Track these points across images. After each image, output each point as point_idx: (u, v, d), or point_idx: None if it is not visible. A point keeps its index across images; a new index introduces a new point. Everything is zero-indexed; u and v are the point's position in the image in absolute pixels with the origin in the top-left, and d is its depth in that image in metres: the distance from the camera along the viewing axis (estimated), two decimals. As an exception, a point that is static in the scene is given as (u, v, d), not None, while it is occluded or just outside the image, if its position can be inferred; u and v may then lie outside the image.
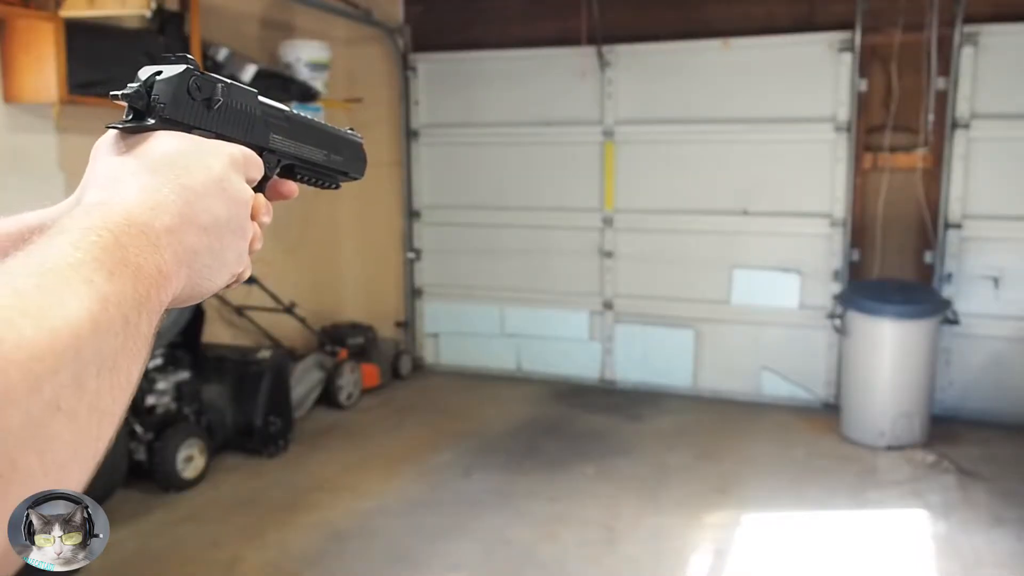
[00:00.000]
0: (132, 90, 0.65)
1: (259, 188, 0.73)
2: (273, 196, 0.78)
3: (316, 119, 0.83)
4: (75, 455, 0.48)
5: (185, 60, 0.67)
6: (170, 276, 0.58)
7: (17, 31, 3.78)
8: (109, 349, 0.51)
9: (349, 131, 0.88)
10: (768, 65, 5.44)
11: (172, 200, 0.60)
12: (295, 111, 0.80)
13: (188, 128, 0.67)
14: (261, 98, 0.75)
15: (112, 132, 0.66)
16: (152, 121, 0.65)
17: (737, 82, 5.50)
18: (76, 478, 0.49)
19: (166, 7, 4.41)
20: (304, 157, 0.80)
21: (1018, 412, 5.16)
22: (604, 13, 5.62)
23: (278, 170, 0.79)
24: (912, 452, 4.77)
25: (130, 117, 0.66)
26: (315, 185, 0.86)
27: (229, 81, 0.71)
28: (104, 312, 0.50)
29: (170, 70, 0.67)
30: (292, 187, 0.81)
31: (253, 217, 0.69)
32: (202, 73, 0.68)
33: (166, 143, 0.64)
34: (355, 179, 0.89)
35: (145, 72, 0.67)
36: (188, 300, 0.64)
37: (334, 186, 0.88)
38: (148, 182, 0.61)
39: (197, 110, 0.67)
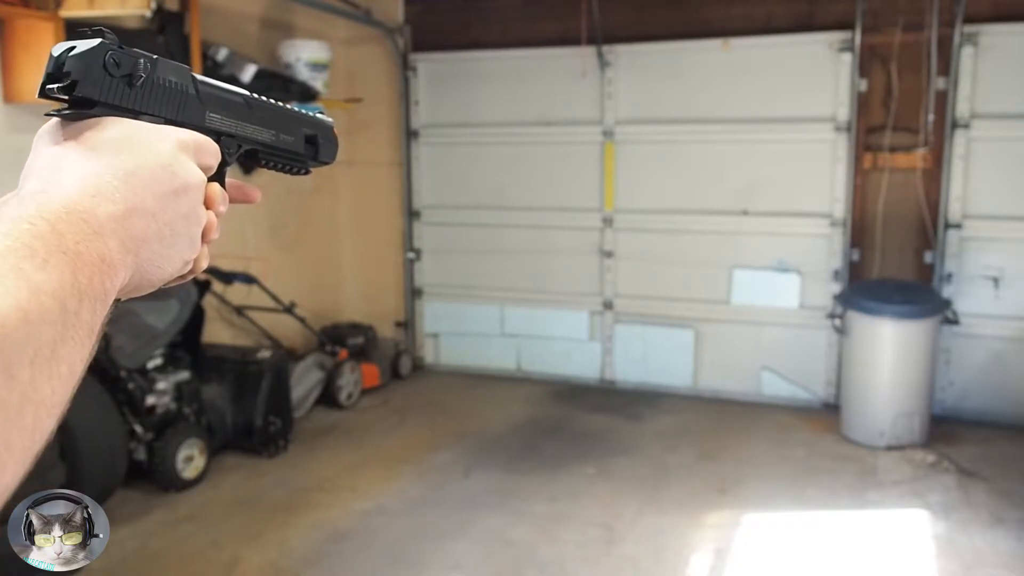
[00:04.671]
0: (45, 76, 0.61)
1: (218, 176, 0.70)
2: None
3: (272, 100, 0.79)
4: (8, 447, 0.47)
5: (101, 34, 0.62)
6: (115, 264, 0.56)
7: (17, 31, 3.78)
8: (45, 338, 0.49)
9: (318, 114, 0.84)
10: (768, 65, 5.44)
11: (115, 186, 0.58)
12: (249, 93, 0.75)
13: (135, 114, 0.63)
14: (200, 76, 0.70)
15: (53, 120, 0.62)
16: (95, 108, 0.61)
17: (737, 82, 5.50)
18: (11, 470, 0.48)
19: (166, 7, 4.41)
20: (249, 137, 0.75)
21: (1018, 412, 5.16)
22: (604, 13, 5.62)
23: (239, 155, 0.75)
24: (912, 452, 4.77)
25: (69, 104, 0.62)
26: (283, 171, 0.82)
27: (155, 56, 0.66)
28: (35, 301, 0.49)
29: (83, 45, 0.62)
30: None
31: (208, 205, 0.66)
32: (120, 47, 0.63)
33: (109, 128, 0.61)
34: (325, 163, 0.85)
35: (57, 49, 0.62)
36: (138, 289, 0.62)
37: (304, 171, 0.83)
38: (89, 169, 0.58)
39: (117, 88, 0.62)
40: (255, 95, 0.76)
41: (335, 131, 0.86)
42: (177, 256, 0.63)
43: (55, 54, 0.61)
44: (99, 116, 0.62)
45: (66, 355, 0.51)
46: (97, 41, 0.62)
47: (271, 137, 0.78)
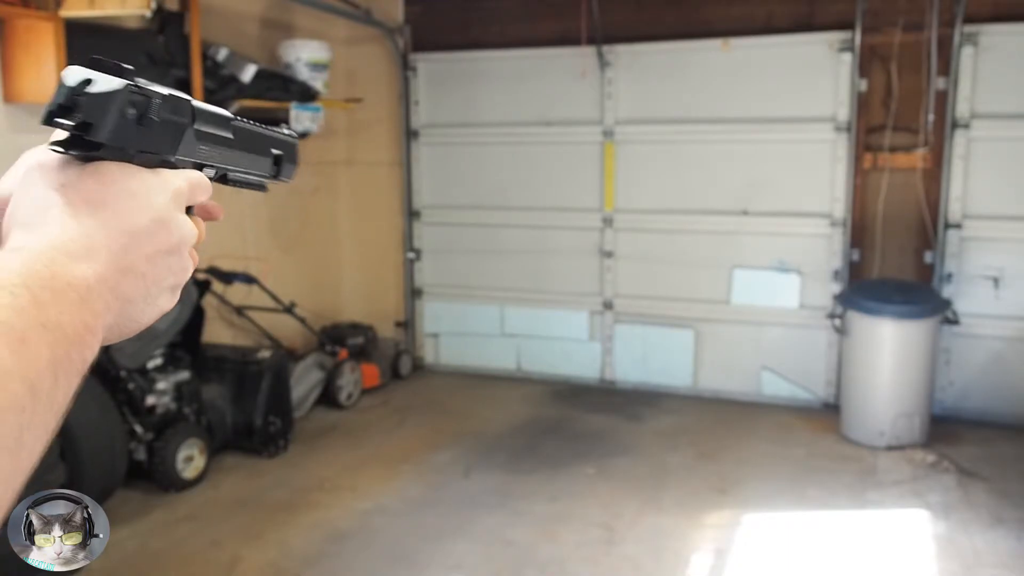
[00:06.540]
0: (55, 105, 0.57)
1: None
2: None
3: (250, 122, 0.76)
4: None
5: (122, 72, 0.58)
6: (97, 329, 0.54)
7: (17, 31, 3.78)
8: (9, 429, 0.46)
9: (285, 131, 0.82)
10: (768, 65, 5.44)
11: (109, 247, 0.56)
12: (234, 117, 0.73)
13: (137, 153, 0.60)
14: (198, 105, 0.67)
15: (51, 155, 0.58)
16: (99, 151, 0.58)
17: (737, 82, 5.50)
18: None
19: (166, 7, 4.41)
20: (230, 166, 0.73)
21: (1018, 412, 5.16)
22: (604, 13, 5.62)
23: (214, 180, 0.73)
24: (912, 452, 4.77)
25: (68, 137, 0.58)
26: (246, 187, 0.80)
27: (166, 92, 0.62)
28: (4, 390, 0.46)
29: (104, 83, 0.57)
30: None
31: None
32: (139, 88, 0.59)
33: (110, 180, 0.58)
34: (284, 182, 0.83)
35: (72, 77, 0.57)
36: (106, 341, 0.59)
37: (263, 189, 0.82)
38: (85, 226, 0.55)
39: (126, 129, 0.59)
40: (239, 119, 0.74)
41: (297, 149, 0.84)
42: (157, 310, 0.61)
43: (69, 84, 0.57)
44: (102, 158, 0.58)
45: (29, 442, 0.48)
46: (121, 84, 0.58)
47: (249, 163, 0.77)
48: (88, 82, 0.57)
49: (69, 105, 0.57)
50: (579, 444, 4.96)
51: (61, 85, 0.57)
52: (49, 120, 0.57)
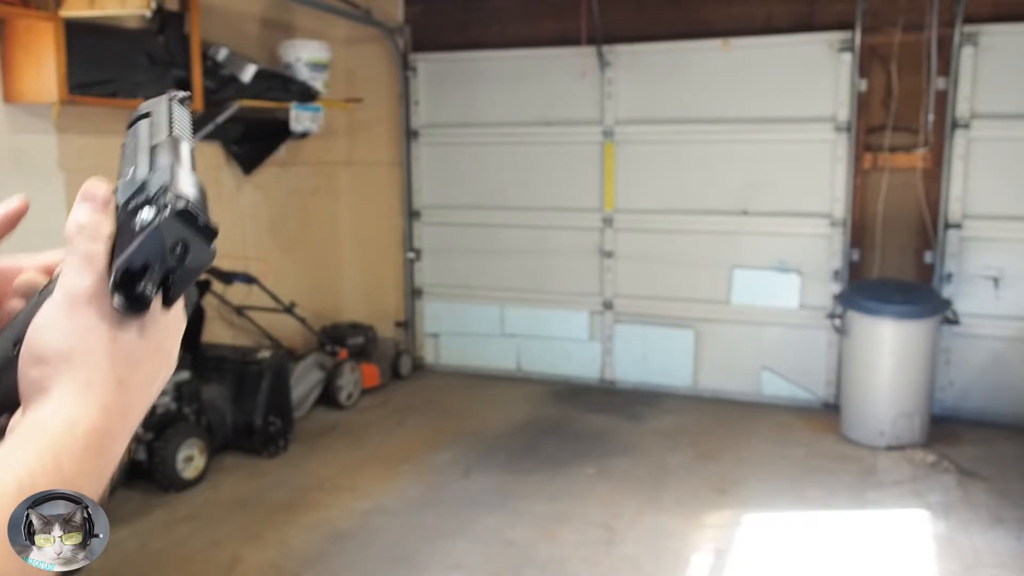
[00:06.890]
0: (146, 260, 0.52)
1: None
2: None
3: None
4: None
5: (210, 233, 0.53)
6: None
7: (17, 31, 3.78)
8: None
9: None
10: (768, 65, 5.44)
11: (137, 415, 0.59)
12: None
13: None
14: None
15: (103, 291, 0.53)
16: (159, 308, 0.55)
17: (737, 82, 5.50)
18: None
19: (166, 7, 4.41)
20: None
21: (1018, 412, 5.16)
22: (604, 13, 5.62)
23: None
24: (912, 452, 4.77)
25: (125, 290, 0.53)
26: None
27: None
28: None
29: (199, 256, 0.52)
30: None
31: None
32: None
33: (150, 339, 0.56)
34: None
35: (170, 234, 0.51)
36: None
37: None
38: (124, 398, 0.56)
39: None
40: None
41: None
42: None
43: (168, 243, 0.51)
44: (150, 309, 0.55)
45: None
46: (212, 257, 0.54)
47: None
48: (185, 250, 0.52)
49: (154, 265, 0.52)
50: (579, 444, 4.96)
51: (156, 241, 0.51)
52: (126, 273, 0.52)
